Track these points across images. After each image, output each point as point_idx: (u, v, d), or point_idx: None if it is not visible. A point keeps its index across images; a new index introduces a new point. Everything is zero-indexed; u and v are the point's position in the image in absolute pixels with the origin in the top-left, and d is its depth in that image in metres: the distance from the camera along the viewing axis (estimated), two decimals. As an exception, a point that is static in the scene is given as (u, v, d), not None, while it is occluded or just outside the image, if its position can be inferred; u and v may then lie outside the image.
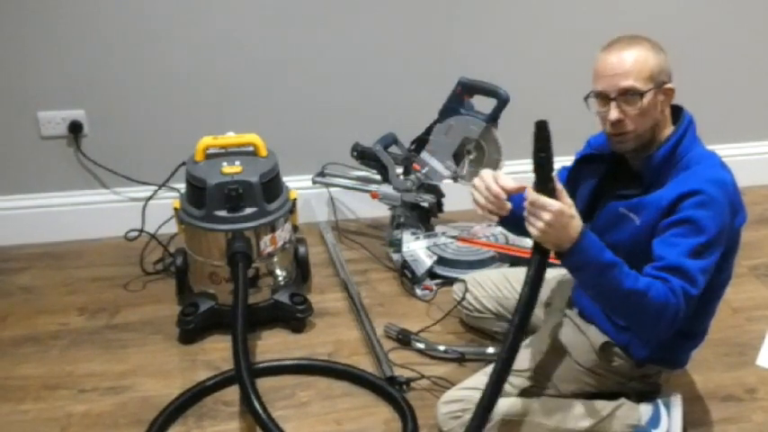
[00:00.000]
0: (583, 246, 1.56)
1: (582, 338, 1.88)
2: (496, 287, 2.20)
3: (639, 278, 1.58)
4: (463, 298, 2.24)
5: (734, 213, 1.68)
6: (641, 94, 1.65)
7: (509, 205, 1.70)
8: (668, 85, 1.70)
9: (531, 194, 1.56)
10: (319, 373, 2.14)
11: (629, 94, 1.66)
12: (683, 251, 1.60)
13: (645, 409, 1.85)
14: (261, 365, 2.14)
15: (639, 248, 1.67)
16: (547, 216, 1.53)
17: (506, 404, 1.81)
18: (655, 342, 1.77)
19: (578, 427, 1.81)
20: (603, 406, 1.84)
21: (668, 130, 1.74)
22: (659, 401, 1.87)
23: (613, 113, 1.69)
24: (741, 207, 1.72)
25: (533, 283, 1.63)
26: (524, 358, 1.89)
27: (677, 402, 1.87)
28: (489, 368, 1.90)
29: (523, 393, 1.84)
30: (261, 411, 1.81)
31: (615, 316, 1.77)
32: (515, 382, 1.84)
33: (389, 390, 2.03)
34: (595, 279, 1.58)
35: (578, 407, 1.84)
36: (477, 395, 1.82)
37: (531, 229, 1.57)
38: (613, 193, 1.80)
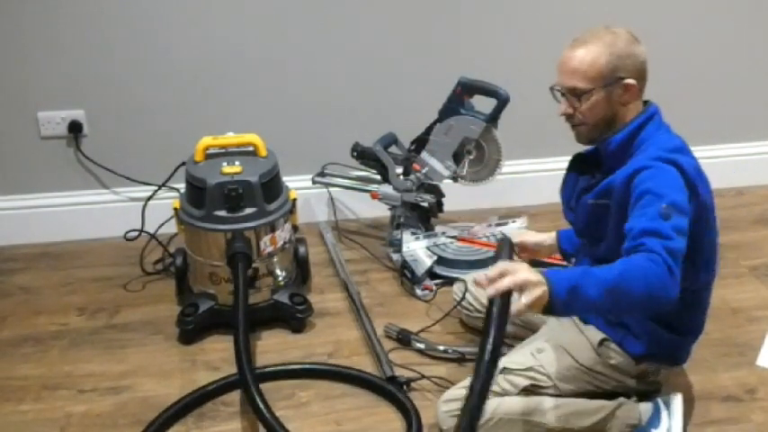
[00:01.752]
0: (552, 280, 1.49)
1: (581, 338, 1.88)
2: None
3: (612, 265, 1.55)
4: (462, 298, 2.24)
5: (690, 191, 1.68)
6: (586, 92, 1.75)
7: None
8: (627, 81, 1.74)
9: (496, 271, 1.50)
10: (324, 377, 2.13)
11: (574, 92, 1.76)
12: (649, 217, 1.59)
13: (645, 409, 1.85)
14: (265, 370, 2.11)
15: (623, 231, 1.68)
16: (520, 276, 1.47)
17: (505, 403, 1.81)
18: (664, 315, 1.72)
19: (577, 426, 1.81)
20: (603, 405, 1.84)
21: (630, 117, 1.79)
22: (659, 400, 1.87)
23: (561, 107, 1.82)
24: (700, 187, 1.72)
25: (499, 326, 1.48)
26: (524, 357, 1.89)
27: (677, 402, 1.87)
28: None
29: (523, 392, 1.84)
30: (268, 416, 1.81)
31: (622, 312, 1.72)
32: (515, 380, 1.84)
33: (397, 394, 2.01)
34: (589, 292, 1.50)
35: (577, 406, 1.84)
36: None
37: (526, 297, 1.46)
38: (582, 186, 1.89)
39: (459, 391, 1.86)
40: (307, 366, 2.15)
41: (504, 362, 1.90)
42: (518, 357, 1.90)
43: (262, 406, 1.83)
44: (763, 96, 3.16)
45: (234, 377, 2.03)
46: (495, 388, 1.84)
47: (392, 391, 2.03)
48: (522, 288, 1.46)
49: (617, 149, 1.78)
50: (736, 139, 3.19)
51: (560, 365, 1.87)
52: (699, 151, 3.29)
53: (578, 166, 1.95)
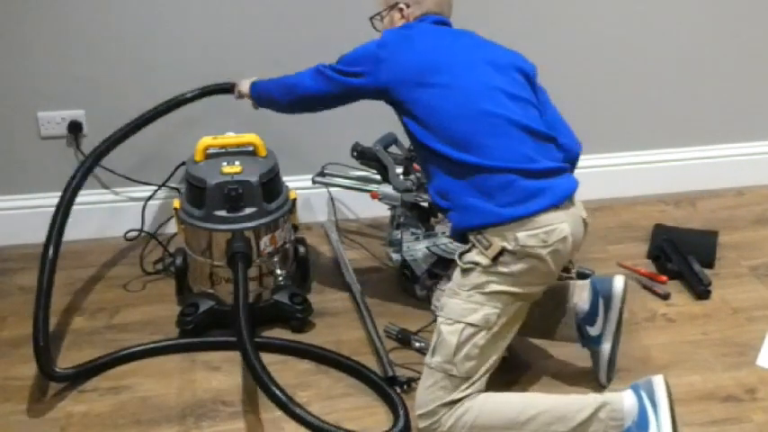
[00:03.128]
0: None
1: (457, 271, 1.89)
2: None
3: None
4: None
5: (387, 53, 1.99)
6: (379, 14, 2.19)
7: None
8: (399, 5, 2.12)
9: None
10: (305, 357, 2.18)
11: (379, 16, 2.20)
12: None
13: (629, 408, 1.80)
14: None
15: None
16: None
17: (483, 416, 1.81)
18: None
19: (558, 430, 1.79)
20: (584, 405, 1.81)
21: None
22: (643, 395, 1.81)
23: None
24: (400, 52, 1.99)
25: None
26: (435, 328, 1.89)
27: (661, 391, 1.80)
28: (429, 358, 1.89)
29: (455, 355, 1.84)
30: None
31: (288, 93, 2.21)
32: (442, 355, 1.84)
33: (368, 373, 2.06)
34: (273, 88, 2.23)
35: (556, 411, 1.81)
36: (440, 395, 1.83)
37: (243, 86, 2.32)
38: None
39: (423, 396, 1.86)
40: (289, 344, 2.21)
41: (429, 354, 1.89)
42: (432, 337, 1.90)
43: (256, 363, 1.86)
44: (762, 96, 3.16)
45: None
46: (443, 384, 1.83)
47: (371, 376, 2.07)
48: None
49: None
50: (736, 139, 3.19)
51: (460, 302, 1.85)
52: (698, 151, 3.31)
53: None
